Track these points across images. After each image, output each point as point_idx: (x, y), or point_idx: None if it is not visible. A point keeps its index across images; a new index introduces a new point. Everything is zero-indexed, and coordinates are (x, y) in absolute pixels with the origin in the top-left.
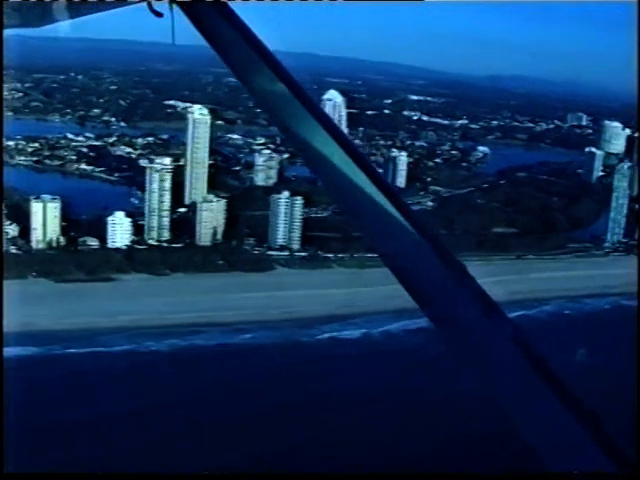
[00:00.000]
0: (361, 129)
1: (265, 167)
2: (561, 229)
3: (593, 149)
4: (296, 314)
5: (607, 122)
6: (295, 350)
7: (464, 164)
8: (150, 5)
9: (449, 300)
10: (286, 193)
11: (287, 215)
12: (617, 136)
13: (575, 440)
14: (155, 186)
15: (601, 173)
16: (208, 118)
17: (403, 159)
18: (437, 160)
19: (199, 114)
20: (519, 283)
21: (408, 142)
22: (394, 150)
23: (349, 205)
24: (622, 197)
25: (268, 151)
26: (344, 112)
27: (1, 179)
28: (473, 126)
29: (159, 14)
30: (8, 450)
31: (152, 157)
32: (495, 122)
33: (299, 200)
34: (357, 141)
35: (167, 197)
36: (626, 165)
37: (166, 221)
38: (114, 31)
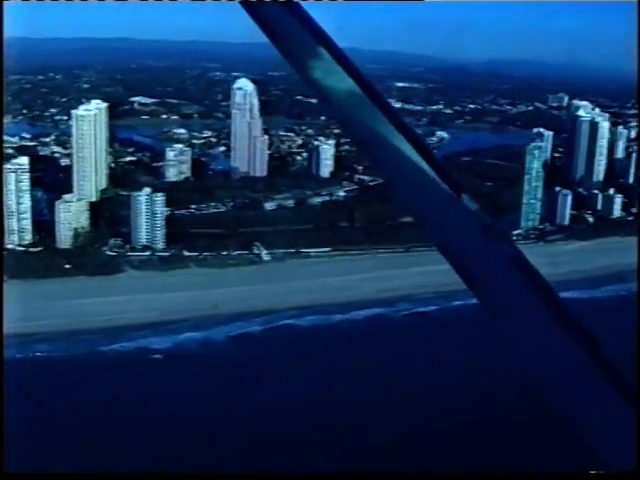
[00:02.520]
0: (322, 118)
1: (177, 162)
2: None
3: (541, 129)
4: (116, 321)
5: (575, 102)
6: (84, 361)
7: None
8: None
9: (448, 217)
10: (147, 190)
11: (148, 213)
12: None
13: (573, 362)
14: (12, 187)
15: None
16: (94, 114)
17: (327, 148)
18: None
19: (83, 111)
20: (388, 280)
21: None
22: (321, 138)
23: (403, 187)
24: (535, 180)
25: (180, 145)
26: (255, 101)
27: (1, 179)
28: (447, 111)
29: None
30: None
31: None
32: (472, 106)
33: (160, 197)
34: (310, 130)
35: (26, 198)
36: (537, 145)
37: (26, 223)
38: (114, 29)
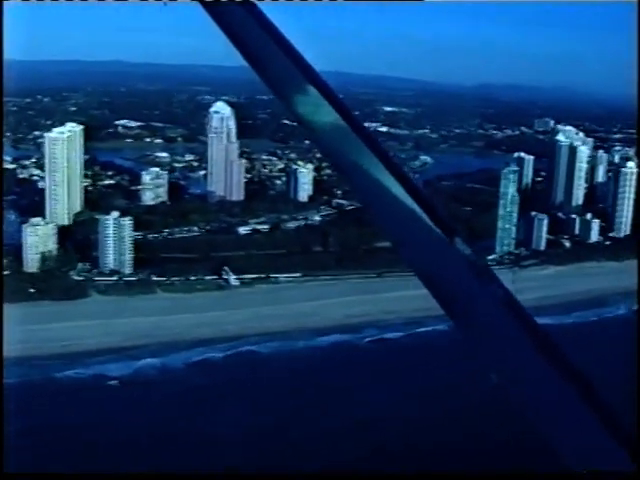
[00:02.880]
0: (306, 142)
1: (153, 186)
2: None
3: (522, 154)
4: (75, 347)
5: (559, 126)
6: (35, 387)
7: None
8: None
9: (439, 260)
10: (115, 214)
11: (116, 237)
12: (571, 140)
13: (565, 402)
14: None
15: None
16: (66, 137)
17: (305, 172)
18: None
19: (57, 133)
20: (357, 305)
21: None
22: (300, 163)
23: (383, 215)
24: (510, 204)
25: (156, 169)
26: (232, 124)
27: (1, 180)
28: (433, 135)
29: None
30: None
31: None
32: (458, 130)
33: (127, 221)
34: (292, 154)
35: None
36: (512, 169)
37: None
38: (109, 52)
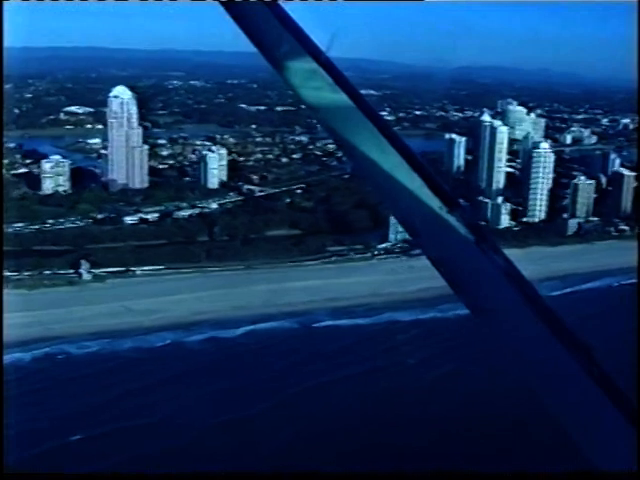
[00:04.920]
0: (253, 126)
1: (53, 174)
2: (351, 230)
3: (454, 135)
4: None
5: (510, 106)
6: None
7: (324, 159)
8: None
9: (440, 229)
10: None
11: None
12: (520, 121)
13: (567, 371)
14: None
15: (463, 161)
16: None
17: (214, 157)
18: (294, 156)
19: None
20: (200, 302)
21: (289, 138)
22: (213, 148)
23: (385, 189)
24: None
25: (57, 157)
26: (134, 109)
27: (1, 178)
28: (389, 118)
29: None
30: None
31: None
32: (418, 112)
33: None
34: (231, 139)
35: None
36: None
37: None
38: (85, 38)
